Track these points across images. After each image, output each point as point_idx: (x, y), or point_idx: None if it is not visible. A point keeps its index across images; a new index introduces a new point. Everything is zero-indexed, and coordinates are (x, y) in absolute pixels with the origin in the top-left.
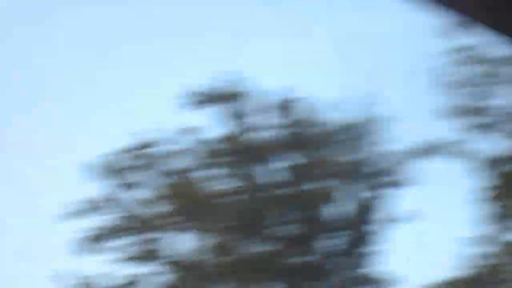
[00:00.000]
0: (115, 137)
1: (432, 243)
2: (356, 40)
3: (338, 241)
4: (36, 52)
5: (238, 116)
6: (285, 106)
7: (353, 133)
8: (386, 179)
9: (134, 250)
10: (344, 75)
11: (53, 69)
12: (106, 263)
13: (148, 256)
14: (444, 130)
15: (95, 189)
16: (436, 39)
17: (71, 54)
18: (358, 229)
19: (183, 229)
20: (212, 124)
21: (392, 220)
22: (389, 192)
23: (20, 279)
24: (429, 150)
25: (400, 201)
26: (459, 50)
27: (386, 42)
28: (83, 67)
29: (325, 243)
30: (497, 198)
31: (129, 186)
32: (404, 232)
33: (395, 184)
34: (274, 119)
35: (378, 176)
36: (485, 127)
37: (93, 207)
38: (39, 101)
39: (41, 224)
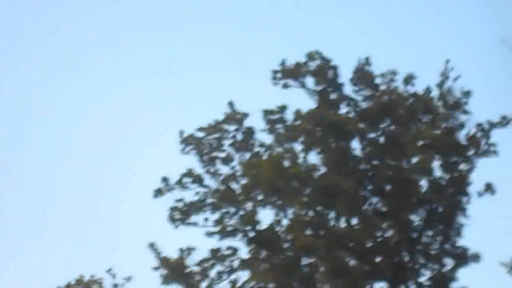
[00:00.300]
0: (207, 111)
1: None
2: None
3: (426, 215)
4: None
5: (325, 91)
6: (370, 79)
7: (438, 105)
8: (471, 150)
9: (219, 224)
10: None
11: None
12: (194, 235)
13: (232, 230)
14: None
15: (188, 163)
16: None
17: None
18: (448, 202)
19: (266, 204)
20: (299, 100)
21: (480, 192)
22: (475, 163)
23: (120, 249)
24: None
25: (482, 172)
26: None
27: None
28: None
29: (413, 217)
30: None
31: (216, 160)
32: (487, 205)
33: (480, 155)
34: (361, 92)
35: (464, 148)
36: None
37: (185, 181)
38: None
39: (139, 197)
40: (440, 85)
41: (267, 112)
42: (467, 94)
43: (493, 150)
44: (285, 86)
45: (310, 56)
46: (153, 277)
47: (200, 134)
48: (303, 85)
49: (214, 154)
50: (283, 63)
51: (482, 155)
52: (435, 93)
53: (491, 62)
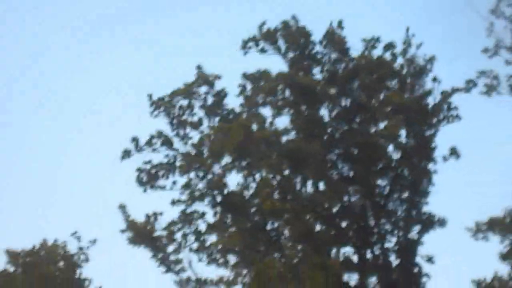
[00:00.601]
0: (179, 76)
1: (477, 181)
2: None
3: (393, 180)
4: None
5: (297, 56)
6: (341, 44)
7: (405, 71)
8: (437, 116)
9: (187, 188)
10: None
11: None
12: (161, 200)
13: (200, 194)
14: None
15: (158, 126)
16: None
17: None
18: (414, 167)
19: (234, 168)
20: (271, 65)
21: (445, 157)
22: (439, 129)
23: (89, 210)
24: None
25: (447, 138)
26: None
27: None
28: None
29: (380, 183)
30: None
31: (186, 124)
32: (452, 170)
33: (444, 121)
34: (331, 56)
35: (430, 114)
36: None
37: (154, 142)
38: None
39: (108, 158)
40: (404, 52)
41: (245, 76)
42: (431, 60)
43: (456, 115)
44: (261, 51)
45: (285, 22)
46: (118, 240)
47: (171, 97)
48: (278, 50)
49: (184, 117)
50: (260, 27)
51: (446, 121)
52: (401, 60)
53: (457, 25)
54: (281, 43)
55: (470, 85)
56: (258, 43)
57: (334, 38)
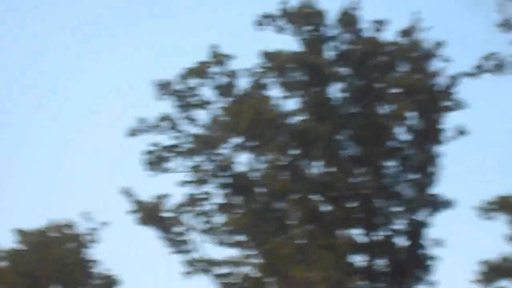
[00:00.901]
0: (189, 56)
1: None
2: None
3: (401, 162)
4: None
5: (311, 36)
6: (354, 25)
7: (414, 54)
8: (445, 100)
9: (195, 170)
10: None
11: None
12: (169, 181)
13: (208, 175)
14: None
15: (163, 107)
16: None
17: None
18: (422, 149)
19: (242, 149)
20: (283, 44)
21: (452, 136)
22: (448, 112)
23: (93, 192)
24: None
25: (454, 121)
26: None
27: None
28: None
29: (390, 164)
30: None
31: (194, 106)
32: (457, 153)
33: (451, 108)
34: (344, 36)
35: (438, 98)
36: None
37: (162, 124)
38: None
39: (114, 140)
40: (412, 35)
41: (266, 54)
42: (440, 43)
43: (462, 103)
44: (277, 29)
45: (302, 2)
46: (124, 223)
47: (182, 77)
48: (294, 29)
49: (194, 98)
50: (283, 3)
51: (453, 107)
52: (410, 43)
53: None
54: (296, 22)
55: (478, 70)
56: (273, 22)
57: (347, 19)
